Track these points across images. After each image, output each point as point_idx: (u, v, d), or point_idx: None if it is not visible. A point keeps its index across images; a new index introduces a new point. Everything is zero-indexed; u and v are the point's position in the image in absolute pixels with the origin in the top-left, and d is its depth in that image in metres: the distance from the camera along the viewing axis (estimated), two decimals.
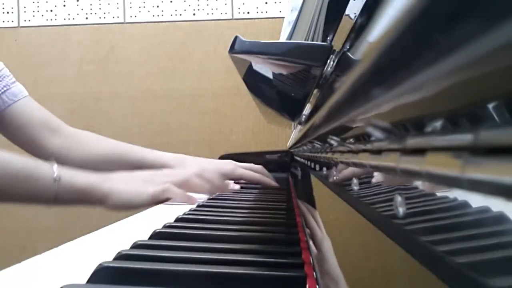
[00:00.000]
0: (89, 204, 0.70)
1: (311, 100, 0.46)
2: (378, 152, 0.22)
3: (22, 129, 0.91)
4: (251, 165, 0.94)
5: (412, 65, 0.14)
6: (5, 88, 0.91)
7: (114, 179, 0.72)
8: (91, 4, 1.79)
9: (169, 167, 0.86)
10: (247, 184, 0.92)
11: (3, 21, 1.80)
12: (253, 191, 0.84)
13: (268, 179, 0.93)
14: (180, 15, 1.77)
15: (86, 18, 1.79)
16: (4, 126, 0.90)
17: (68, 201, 0.69)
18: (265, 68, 0.45)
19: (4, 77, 0.92)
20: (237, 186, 0.88)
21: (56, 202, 0.68)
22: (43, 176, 0.67)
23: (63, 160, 0.78)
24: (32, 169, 0.66)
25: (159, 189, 0.71)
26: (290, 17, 0.65)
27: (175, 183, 0.74)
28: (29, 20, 1.80)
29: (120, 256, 0.32)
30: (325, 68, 0.32)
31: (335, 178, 0.39)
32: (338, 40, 0.29)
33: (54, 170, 0.67)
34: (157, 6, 1.78)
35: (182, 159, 0.91)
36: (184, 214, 0.53)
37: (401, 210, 0.18)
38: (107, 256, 0.32)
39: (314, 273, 0.30)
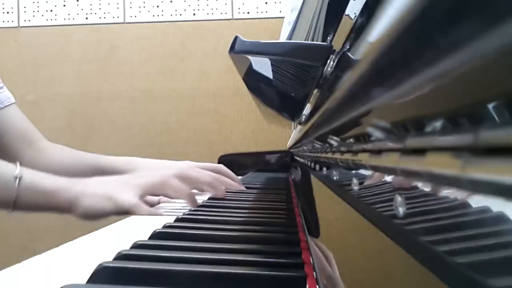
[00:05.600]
0: (55, 209, 0.64)
1: (311, 100, 0.46)
2: (378, 152, 0.22)
3: (0, 137, 0.89)
4: (210, 164, 0.84)
5: (412, 65, 0.14)
6: None
7: (85, 183, 0.66)
8: (91, 4, 1.79)
9: (120, 172, 0.79)
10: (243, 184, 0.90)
11: (3, 21, 1.80)
12: (253, 191, 0.84)
13: (229, 180, 0.81)
14: (180, 15, 1.77)
15: (86, 18, 1.79)
16: None
17: (30, 205, 0.63)
18: (265, 68, 0.45)
19: None
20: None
21: (17, 205, 0.62)
22: (2, 173, 0.61)
23: None
24: None
25: (128, 202, 0.63)
26: (290, 17, 0.65)
27: (151, 186, 0.67)
28: (29, 20, 1.80)
29: (120, 256, 0.32)
30: (325, 68, 0.32)
31: (335, 178, 0.39)
32: (338, 40, 0.29)
33: (16, 168, 0.62)
34: (157, 6, 1.78)
35: (133, 162, 0.86)
36: (184, 214, 0.53)
37: (401, 210, 0.18)
38: (107, 256, 0.32)
39: (314, 273, 0.30)
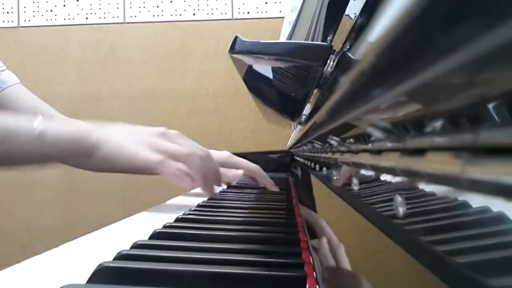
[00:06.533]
0: (80, 155, 0.63)
1: (311, 100, 0.46)
2: (378, 152, 0.22)
3: None
4: (247, 162, 0.88)
5: (412, 65, 0.14)
6: None
7: (110, 129, 0.65)
8: (91, 4, 1.79)
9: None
10: (243, 184, 0.91)
11: (3, 21, 1.80)
12: (253, 191, 0.84)
13: (267, 178, 0.86)
14: (180, 15, 1.77)
15: (86, 18, 1.79)
16: None
17: (58, 156, 0.63)
18: (265, 68, 0.45)
19: None
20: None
21: (44, 160, 0.62)
22: (24, 133, 0.60)
23: None
24: (11, 126, 0.60)
25: (155, 159, 0.60)
26: (290, 17, 0.65)
27: (173, 153, 0.64)
28: (29, 20, 1.80)
29: (120, 256, 0.32)
30: (325, 68, 0.32)
31: (335, 178, 0.39)
32: (338, 40, 0.29)
33: (35, 126, 0.61)
34: (157, 6, 1.78)
35: None
36: (184, 214, 0.53)
37: (401, 210, 0.18)
38: (107, 256, 0.32)
39: (314, 273, 0.30)
